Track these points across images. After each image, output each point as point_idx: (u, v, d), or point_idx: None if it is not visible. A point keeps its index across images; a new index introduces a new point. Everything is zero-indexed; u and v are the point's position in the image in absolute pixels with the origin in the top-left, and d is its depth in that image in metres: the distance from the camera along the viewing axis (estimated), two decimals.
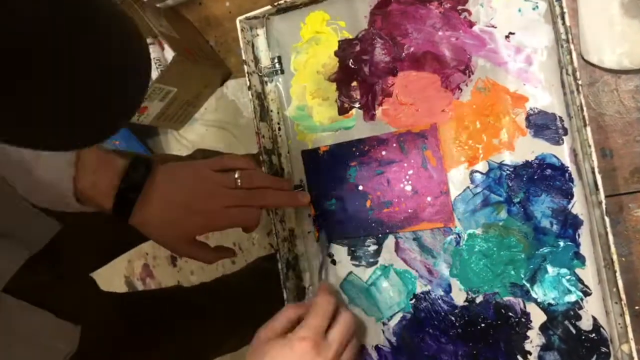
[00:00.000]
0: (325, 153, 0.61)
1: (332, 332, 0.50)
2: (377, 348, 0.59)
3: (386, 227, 0.58)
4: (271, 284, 0.78)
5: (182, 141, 1.17)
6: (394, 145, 0.58)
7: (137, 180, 0.48)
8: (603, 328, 0.51)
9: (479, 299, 0.55)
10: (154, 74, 1.13)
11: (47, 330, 0.54)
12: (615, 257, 0.49)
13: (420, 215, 0.57)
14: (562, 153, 0.52)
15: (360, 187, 0.60)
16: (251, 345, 0.50)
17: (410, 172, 0.57)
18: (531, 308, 0.53)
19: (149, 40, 1.11)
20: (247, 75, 0.63)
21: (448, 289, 0.56)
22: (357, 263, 0.60)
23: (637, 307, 0.60)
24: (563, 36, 0.51)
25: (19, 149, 0.44)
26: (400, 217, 0.58)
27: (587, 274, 0.51)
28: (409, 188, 0.58)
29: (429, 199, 0.57)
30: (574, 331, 0.51)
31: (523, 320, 0.53)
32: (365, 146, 0.59)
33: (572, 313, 0.51)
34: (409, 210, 0.57)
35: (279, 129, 0.64)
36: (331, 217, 0.61)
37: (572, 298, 0.51)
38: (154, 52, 1.12)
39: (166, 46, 1.08)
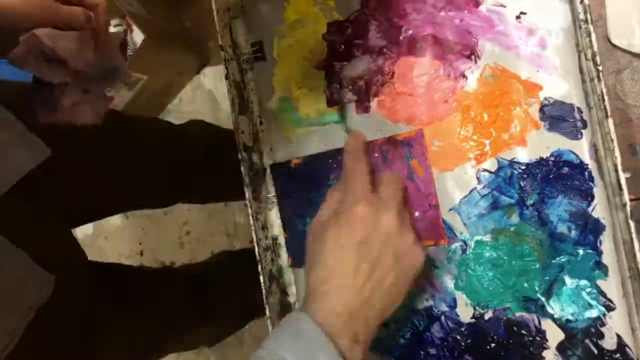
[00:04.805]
0: (297, 167, 0.61)
1: (381, 190, 0.50)
2: None
3: None
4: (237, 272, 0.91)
5: None
6: (376, 155, 0.57)
7: None
8: (628, 347, 0.50)
9: (487, 315, 0.54)
10: None
11: (18, 271, 0.53)
12: None
13: None
14: (581, 149, 0.51)
15: None
16: (309, 237, 0.51)
17: None
18: (547, 325, 0.53)
19: (115, 22, 1.10)
20: (224, 62, 0.62)
21: (453, 304, 0.56)
22: None
23: None
24: (581, 16, 0.50)
25: None
26: None
27: (610, 285, 0.51)
28: None
29: (416, 214, 0.56)
30: (595, 351, 0.51)
31: (538, 339, 0.53)
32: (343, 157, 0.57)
33: (593, 330, 0.51)
34: None
35: (261, 123, 0.64)
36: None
37: (593, 313, 0.51)
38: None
39: (135, 28, 1.07)
